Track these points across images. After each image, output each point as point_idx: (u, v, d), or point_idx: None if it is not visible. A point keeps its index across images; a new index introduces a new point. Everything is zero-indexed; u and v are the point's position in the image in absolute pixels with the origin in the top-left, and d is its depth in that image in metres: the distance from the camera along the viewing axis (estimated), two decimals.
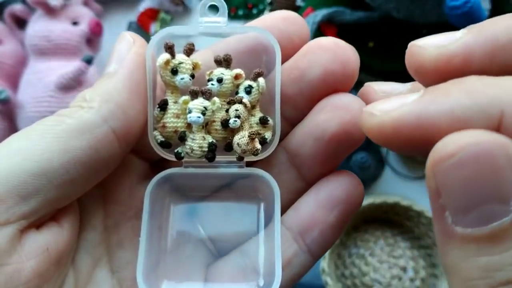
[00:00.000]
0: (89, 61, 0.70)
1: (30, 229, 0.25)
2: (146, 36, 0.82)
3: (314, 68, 0.28)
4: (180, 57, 0.29)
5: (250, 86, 0.29)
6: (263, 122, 0.29)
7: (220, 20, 0.29)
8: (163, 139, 0.29)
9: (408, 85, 0.26)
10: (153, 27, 0.81)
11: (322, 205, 0.29)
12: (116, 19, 0.84)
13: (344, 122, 0.28)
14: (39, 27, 0.71)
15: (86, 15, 0.74)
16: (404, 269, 0.70)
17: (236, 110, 0.28)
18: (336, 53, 0.28)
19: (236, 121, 0.28)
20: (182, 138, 0.29)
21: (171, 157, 0.29)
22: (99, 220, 0.30)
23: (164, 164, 0.31)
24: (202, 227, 0.32)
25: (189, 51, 0.29)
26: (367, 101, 0.27)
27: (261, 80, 0.29)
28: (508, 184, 0.17)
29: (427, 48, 0.22)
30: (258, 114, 0.30)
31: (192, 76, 0.29)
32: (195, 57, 0.30)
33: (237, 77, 0.29)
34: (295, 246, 0.29)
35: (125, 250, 0.30)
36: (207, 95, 0.28)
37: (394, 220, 0.74)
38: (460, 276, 0.18)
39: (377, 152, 0.77)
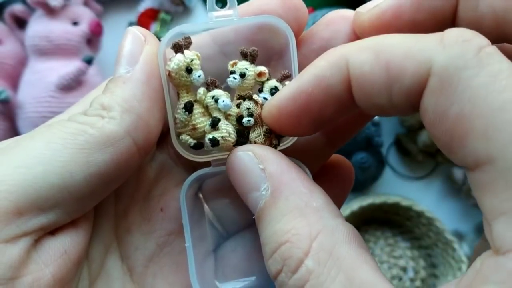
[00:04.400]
0: (89, 61, 0.70)
1: (45, 236, 0.25)
2: None
3: (339, 38, 0.28)
4: (187, 54, 0.28)
5: (276, 88, 0.28)
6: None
7: (231, 12, 0.28)
8: (196, 142, 0.28)
9: None
10: (153, 27, 0.81)
11: None
12: (116, 19, 0.84)
13: None
14: (39, 27, 0.71)
15: (86, 15, 0.74)
16: (404, 269, 0.71)
17: (248, 108, 0.27)
18: None
19: (250, 120, 0.27)
20: (216, 124, 0.28)
21: (202, 159, 0.29)
22: (111, 206, 0.29)
23: (169, 138, 0.30)
24: (237, 222, 0.32)
25: (188, 45, 0.28)
26: (354, 32, 0.28)
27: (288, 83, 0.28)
28: (254, 175, 0.24)
29: (364, 10, 0.26)
30: None
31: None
32: (194, 41, 0.29)
33: (260, 75, 0.28)
34: None
35: (133, 235, 0.29)
36: (215, 86, 0.28)
37: (394, 220, 0.75)
38: None
39: (377, 152, 0.77)
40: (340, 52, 0.23)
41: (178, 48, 0.27)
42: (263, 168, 0.23)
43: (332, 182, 0.32)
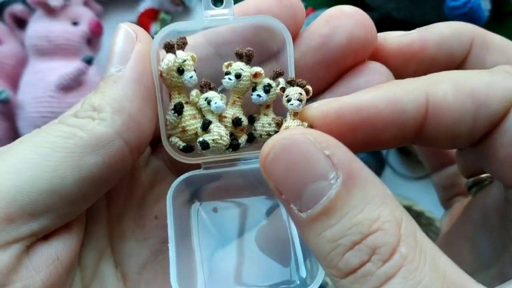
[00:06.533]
0: (89, 61, 0.70)
1: (38, 242, 0.24)
2: None
3: (339, 33, 0.27)
4: (179, 54, 0.27)
5: (269, 85, 0.27)
6: (277, 123, 0.28)
7: (226, 12, 0.27)
8: (185, 144, 0.28)
9: (413, 31, 0.29)
10: (153, 27, 0.81)
11: None
12: (116, 19, 0.84)
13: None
14: (39, 27, 0.71)
15: (86, 15, 0.74)
16: None
17: (300, 93, 0.25)
18: (358, 19, 0.27)
19: (299, 104, 0.25)
20: (206, 126, 0.27)
21: (192, 160, 0.28)
22: (103, 211, 0.29)
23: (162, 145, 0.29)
24: (231, 227, 0.31)
25: (183, 45, 0.27)
26: (378, 52, 0.29)
27: (281, 80, 0.28)
28: (320, 162, 0.20)
29: (390, 37, 0.28)
30: (271, 115, 0.29)
31: (194, 71, 0.27)
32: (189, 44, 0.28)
33: (256, 75, 0.28)
34: None
35: (128, 242, 0.29)
36: (210, 87, 0.28)
37: None
38: (320, 255, 0.21)
39: (377, 152, 0.77)
40: (416, 82, 0.23)
41: (169, 47, 0.26)
42: (329, 154, 0.20)
43: None
